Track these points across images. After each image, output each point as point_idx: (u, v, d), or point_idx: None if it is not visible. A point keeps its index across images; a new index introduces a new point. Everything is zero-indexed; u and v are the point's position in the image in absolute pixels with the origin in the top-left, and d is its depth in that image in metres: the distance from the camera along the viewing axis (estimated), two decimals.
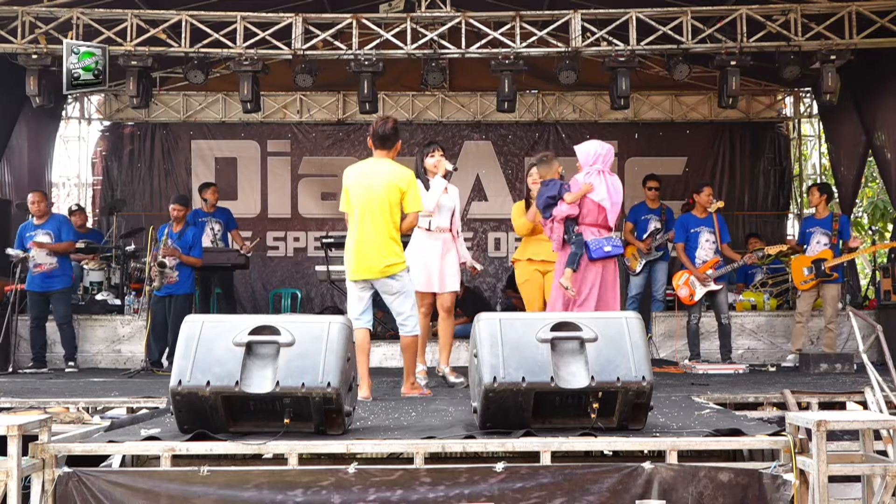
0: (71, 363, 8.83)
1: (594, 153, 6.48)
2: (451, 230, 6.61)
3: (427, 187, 6.43)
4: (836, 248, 8.64)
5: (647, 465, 3.94)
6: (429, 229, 6.48)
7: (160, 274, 8.39)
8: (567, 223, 6.46)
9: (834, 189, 12.55)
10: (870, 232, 15.16)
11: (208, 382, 3.98)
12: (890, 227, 13.54)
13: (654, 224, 9.67)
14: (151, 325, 8.54)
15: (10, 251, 8.80)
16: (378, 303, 6.16)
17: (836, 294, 8.71)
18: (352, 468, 3.89)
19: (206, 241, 10.10)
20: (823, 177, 13.29)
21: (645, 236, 9.62)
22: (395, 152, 5.95)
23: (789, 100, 13.00)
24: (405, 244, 6.15)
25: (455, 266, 6.62)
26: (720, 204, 8.68)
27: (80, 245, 9.63)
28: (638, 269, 9.60)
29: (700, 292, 8.53)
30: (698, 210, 8.68)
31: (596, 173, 6.41)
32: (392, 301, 5.88)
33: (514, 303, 11.58)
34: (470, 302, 10.89)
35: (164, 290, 8.62)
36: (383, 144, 5.88)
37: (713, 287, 8.48)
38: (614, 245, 6.38)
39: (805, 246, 8.78)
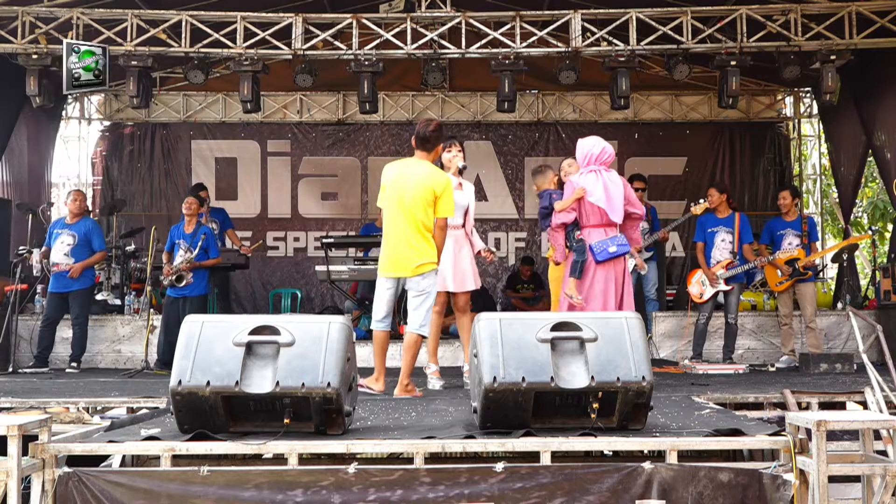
0: (74, 364, 8.79)
1: (586, 152, 6.43)
2: (464, 227, 6.50)
3: None
4: (808, 249, 8.71)
5: (647, 465, 3.94)
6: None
7: (179, 279, 8.60)
8: (567, 229, 6.41)
9: (834, 190, 12.61)
10: (870, 232, 15.16)
11: (208, 382, 3.98)
12: (890, 226, 13.53)
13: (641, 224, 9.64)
14: (165, 326, 8.55)
15: (35, 253, 8.79)
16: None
17: (813, 293, 8.78)
18: (352, 468, 3.89)
19: None
20: (823, 177, 13.31)
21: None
22: (435, 155, 6.05)
23: (789, 100, 13.01)
24: None
25: (469, 264, 6.49)
26: (705, 205, 8.66)
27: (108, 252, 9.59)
28: (629, 269, 9.57)
29: (709, 292, 8.55)
30: (720, 210, 8.67)
31: (592, 174, 6.35)
32: (414, 298, 5.95)
33: (513, 303, 11.60)
34: (479, 297, 10.87)
35: (178, 292, 8.62)
36: (423, 146, 5.99)
37: (723, 287, 8.48)
38: (619, 244, 6.28)
39: (775, 248, 8.79)
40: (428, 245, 5.88)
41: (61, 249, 8.73)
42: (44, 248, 8.81)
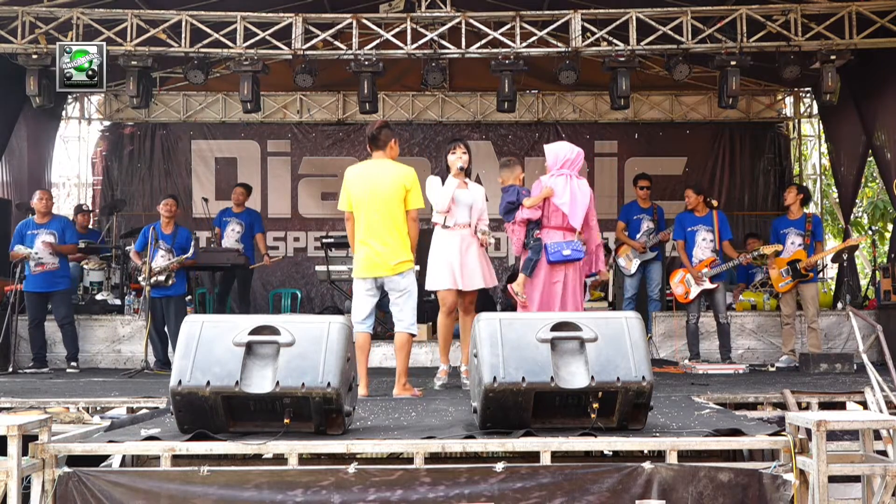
0: (73, 363, 8.81)
1: (562, 157, 6.44)
2: (470, 226, 6.42)
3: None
4: (810, 249, 8.68)
5: (647, 465, 3.94)
6: (444, 226, 6.33)
7: (166, 277, 8.59)
8: (528, 227, 6.44)
9: (834, 190, 12.60)
10: (870, 232, 15.17)
11: (208, 382, 3.98)
12: (890, 226, 13.54)
13: (646, 224, 9.63)
14: (153, 325, 8.58)
15: (17, 248, 8.76)
16: (379, 304, 6.17)
17: (815, 293, 8.77)
18: (352, 468, 3.89)
19: (229, 241, 10.22)
20: (823, 177, 13.30)
21: (638, 236, 9.60)
22: (391, 152, 6.04)
23: (789, 100, 13.01)
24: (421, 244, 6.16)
25: (477, 263, 6.44)
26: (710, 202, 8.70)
27: (80, 245, 9.66)
28: (632, 269, 9.57)
29: (695, 291, 8.53)
30: (697, 209, 8.68)
31: (563, 178, 6.37)
32: (396, 298, 5.95)
33: (513, 303, 11.57)
34: (479, 296, 10.84)
35: (161, 293, 8.64)
36: (375, 145, 6.06)
37: (708, 286, 8.47)
38: (574, 249, 6.30)
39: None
40: (404, 242, 5.90)
41: (47, 248, 8.70)
42: (17, 247, 8.74)
